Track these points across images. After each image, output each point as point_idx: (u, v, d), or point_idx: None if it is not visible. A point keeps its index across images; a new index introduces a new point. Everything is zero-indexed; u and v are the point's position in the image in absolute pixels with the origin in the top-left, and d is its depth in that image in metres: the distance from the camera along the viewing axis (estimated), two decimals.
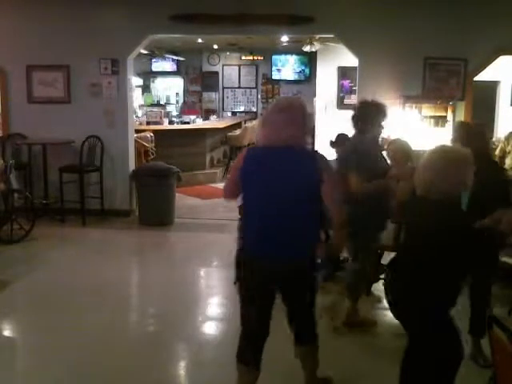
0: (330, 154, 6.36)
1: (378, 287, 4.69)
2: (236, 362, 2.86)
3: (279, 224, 2.63)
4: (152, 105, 13.14)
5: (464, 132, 3.57)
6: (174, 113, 12.16)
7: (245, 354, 2.84)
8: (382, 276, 4.68)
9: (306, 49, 10.00)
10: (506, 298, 4.30)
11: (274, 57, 13.62)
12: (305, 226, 2.65)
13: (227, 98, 14.48)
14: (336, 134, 5.52)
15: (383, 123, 3.95)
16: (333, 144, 5.43)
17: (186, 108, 13.56)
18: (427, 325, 2.55)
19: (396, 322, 2.81)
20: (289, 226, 2.62)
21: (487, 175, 3.25)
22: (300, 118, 2.65)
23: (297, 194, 2.61)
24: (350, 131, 4.11)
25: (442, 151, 2.61)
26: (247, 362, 2.82)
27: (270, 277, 2.69)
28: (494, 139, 7.14)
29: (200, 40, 11.09)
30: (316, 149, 2.79)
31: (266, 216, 2.64)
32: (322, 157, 2.72)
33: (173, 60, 14.22)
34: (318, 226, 2.74)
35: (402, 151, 4.67)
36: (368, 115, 3.89)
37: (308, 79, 13.42)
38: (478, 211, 2.76)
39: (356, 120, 3.96)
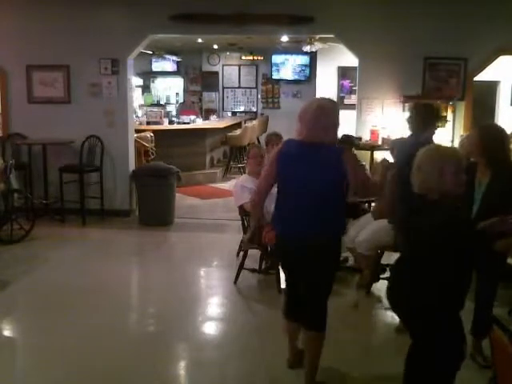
0: None
1: (378, 287, 4.69)
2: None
3: (308, 211, 2.97)
4: (152, 105, 13.12)
5: (480, 136, 3.47)
6: (174, 113, 12.15)
7: (285, 310, 3.37)
8: (382, 276, 4.69)
9: (306, 49, 10.00)
10: (506, 298, 4.30)
11: (273, 57, 13.62)
12: (330, 212, 2.99)
13: (227, 97, 14.47)
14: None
15: (437, 125, 4.05)
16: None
17: (184, 108, 13.50)
18: (429, 325, 2.54)
19: (396, 321, 2.81)
20: (316, 213, 2.97)
21: (504, 183, 3.23)
22: (332, 119, 3.02)
23: (325, 186, 2.96)
24: (406, 132, 4.28)
25: (435, 150, 2.62)
26: (288, 316, 3.34)
27: (297, 253, 3.03)
28: None
29: (200, 40, 11.08)
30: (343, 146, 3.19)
31: (298, 204, 3.00)
32: (350, 154, 3.20)
33: (173, 60, 14.22)
34: (343, 215, 3.10)
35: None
36: (424, 117, 4.03)
37: (308, 79, 13.42)
38: (490, 215, 2.74)
39: (412, 121, 4.07)
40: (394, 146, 4.67)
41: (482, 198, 3.31)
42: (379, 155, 6.43)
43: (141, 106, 11.65)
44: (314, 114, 2.98)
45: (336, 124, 3.04)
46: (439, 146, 2.73)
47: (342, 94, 10.60)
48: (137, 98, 11.52)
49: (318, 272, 3.02)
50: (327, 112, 3.00)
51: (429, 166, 2.53)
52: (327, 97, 3.20)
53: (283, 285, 4.57)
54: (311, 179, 2.96)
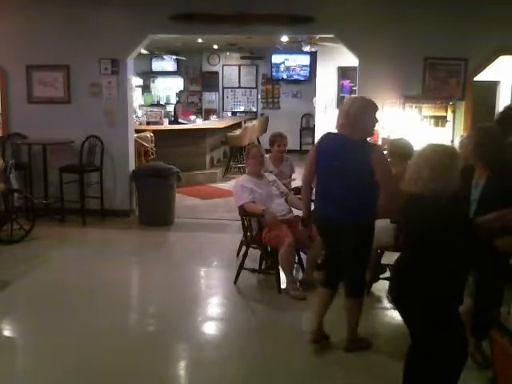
0: None
1: (378, 287, 4.69)
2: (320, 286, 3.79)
3: (344, 193, 3.38)
4: (152, 105, 13.13)
5: (475, 141, 3.46)
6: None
7: (324, 279, 3.75)
8: (382, 276, 4.69)
9: (306, 49, 10.00)
10: (507, 298, 4.29)
11: (273, 57, 13.62)
12: (356, 200, 3.38)
13: (227, 97, 14.48)
14: None
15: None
16: None
17: (182, 109, 13.41)
18: (429, 323, 2.54)
19: (396, 321, 2.81)
20: (351, 194, 3.37)
21: (500, 184, 3.23)
22: (371, 117, 3.42)
23: (355, 174, 3.34)
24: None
25: (433, 148, 2.63)
26: (325, 284, 3.70)
27: (336, 228, 3.49)
28: None
29: (200, 40, 11.08)
30: (376, 143, 3.47)
31: (330, 188, 3.46)
32: (379, 152, 3.50)
33: (173, 60, 14.22)
34: (370, 203, 3.39)
35: (401, 150, 4.68)
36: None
37: (308, 79, 13.42)
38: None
39: (499, 124, 4.16)
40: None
41: (478, 200, 3.31)
42: None
43: (141, 106, 11.65)
44: (355, 111, 3.36)
45: (368, 123, 3.43)
46: (434, 145, 2.72)
47: (341, 94, 10.60)
48: (137, 98, 11.53)
49: (351, 246, 3.44)
50: (366, 111, 3.40)
51: (440, 164, 2.54)
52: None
53: (283, 285, 4.58)
54: (343, 169, 3.36)
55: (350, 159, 3.37)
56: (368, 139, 3.57)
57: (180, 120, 10.17)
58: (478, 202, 3.32)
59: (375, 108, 3.45)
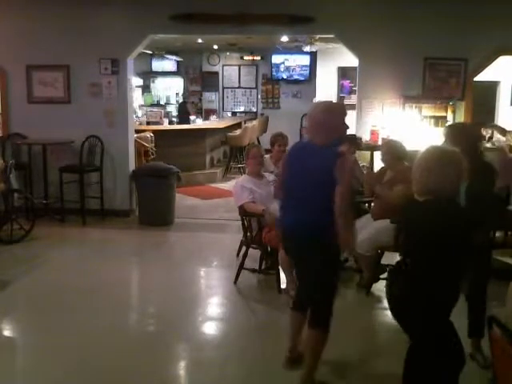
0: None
1: (378, 287, 4.69)
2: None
3: (301, 203, 3.10)
4: (152, 105, 13.12)
5: (452, 133, 3.53)
6: (174, 113, 12.15)
7: (294, 300, 3.45)
8: (382, 276, 4.69)
9: (306, 49, 10.00)
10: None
11: (273, 57, 13.62)
12: (319, 206, 3.03)
13: (227, 98, 14.47)
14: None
15: None
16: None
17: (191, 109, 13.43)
18: (429, 326, 2.54)
19: (396, 322, 2.80)
20: (305, 208, 3.07)
21: (477, 178, 3.24)
22: (335, 121, 3.09)
23: (316, 183, 3.03)
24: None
25: (436, 150, 2.63)
26: (294, 306, 3.39)
27: (292, 240, 3.21)
28: (494, 139, 7.15)
29: (200, 40, 11.07)
30: (342, 150, 3.08)
31: (292, 198, 3.18)
32: (346, 160, 3.03)
33: (173, 60, 14.22)
34: (330, 213, 2.98)
35: (393, 153, 4.69)
36: None
37: (308, 79, 13.42)
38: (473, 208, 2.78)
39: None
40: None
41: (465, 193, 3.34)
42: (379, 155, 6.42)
43: (141, 106, 11.66)
44: (317, 117, 3.10)
45: (338, 126, 3.12)
46: (441, 147, 2.72)
47: (341, 94, 10.61)
48: (137, 98, 11.53)
49: (311, 263, 3.08)
50: (331, 114, 3.09)
51: (448, 168, 2.54)
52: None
53: (283, 285, 4.60)
54: (303, 177, 3.09)
55: (311, 166, 3.07)
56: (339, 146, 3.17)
57: (192, 120, 10.17)
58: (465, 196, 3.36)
59: (342, 112, 3.16)
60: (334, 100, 10.57)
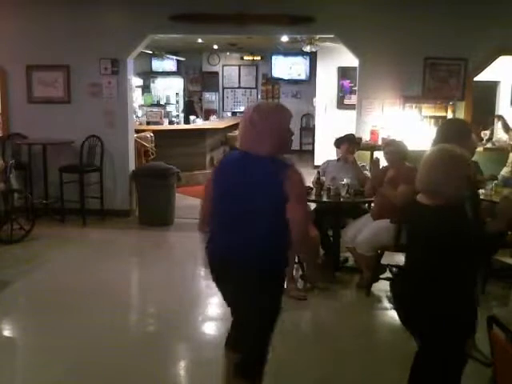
0: (329, 154, 6.38)
1: (378, 287, 4.69)
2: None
3: (231, 229, 2.58)
4: (152, 105, 13.13)
5: (442, 132, 3.49)
6: (174, 113, 12.15)
7: (227, 337, 2.84)
8: (382, 276, 4.69)
9: (306, 49, 10.00)
10: (507, 298, 4.29)
11: (274, 57, 13.62)
12: (264, 237, 2.47)
13: (227, 98, 14.48)
14: (344, 134, 5.49)
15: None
16: (337, 143, 5.40)
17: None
18: (437, 329, 2.50)
19: (396, 322, 2.80)
20: (246, 236, 2.50)
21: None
22: (268, 125, 2.46)
23: (258, 200, 2.45)
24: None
25: (444, 151, 2.59)
26: (226, 344, 2.81)
27: (224, 276, 2.66)
28: (494, 139, 7.15)
29: (200, 40, 11.08)
30: (290, 162, 2.50)
31: (222, 220, 2.67)
32: (296, 173, 2.43)
33: (173, 60, 14.22)
34: (280, 242, 2.49)
35: (397, 152, 4.70)
36: None
37: (308, 79, 13.42)
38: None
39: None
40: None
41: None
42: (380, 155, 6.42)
43: (141, 106, 11.66)
44: (247, 120, 2.51)
45: (273, 132, 2.45)
46: (448, 148, 2.66)
47: (341, 94, 10.60)
48: (137, 98, 11.53)
49: (245, 300, 2.56)
50: (261, 117, 2.46)
51: (452, 170, 2.49)
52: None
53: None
54: (241, 194, 2.50)
55: (251, 181, 2.45)
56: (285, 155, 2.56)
57: (192, 120, 10.18)
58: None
59: (289, 114, 2.54)
60: (334, 100, 10.60)
